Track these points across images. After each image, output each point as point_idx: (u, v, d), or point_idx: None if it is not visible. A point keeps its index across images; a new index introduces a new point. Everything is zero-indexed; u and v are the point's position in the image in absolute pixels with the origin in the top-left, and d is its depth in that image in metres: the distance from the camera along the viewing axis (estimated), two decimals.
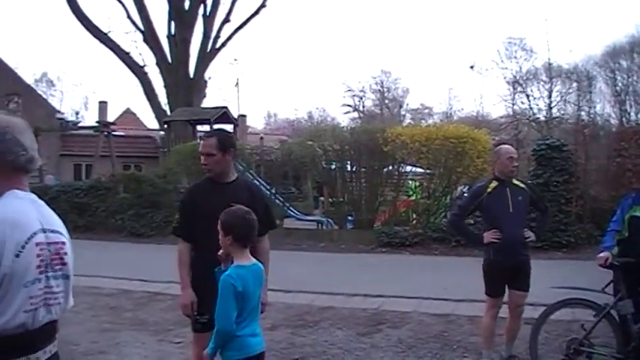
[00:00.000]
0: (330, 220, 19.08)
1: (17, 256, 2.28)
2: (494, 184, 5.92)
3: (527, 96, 45.06)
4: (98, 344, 7.12)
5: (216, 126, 21.14)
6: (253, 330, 3.68)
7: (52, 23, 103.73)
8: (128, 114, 52.98)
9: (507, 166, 5.92)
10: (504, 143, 7.01)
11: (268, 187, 18.65)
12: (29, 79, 44.76)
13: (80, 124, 39.16)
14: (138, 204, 19.77)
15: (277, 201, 19.03)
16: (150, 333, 7.71)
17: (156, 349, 6.99)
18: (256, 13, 31.93)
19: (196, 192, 4.75)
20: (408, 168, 18.13)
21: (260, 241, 4.49)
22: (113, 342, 7.23)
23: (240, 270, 3.59)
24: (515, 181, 6.02)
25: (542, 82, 44.97)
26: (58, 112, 40.82)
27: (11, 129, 2.44)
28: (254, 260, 3.74)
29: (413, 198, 18.53)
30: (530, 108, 44.41)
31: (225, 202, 4.00)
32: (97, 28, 30.93)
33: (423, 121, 51.61)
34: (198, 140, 22.52)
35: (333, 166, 18.65)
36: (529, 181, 9.17)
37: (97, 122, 29.67)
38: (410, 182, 19.01)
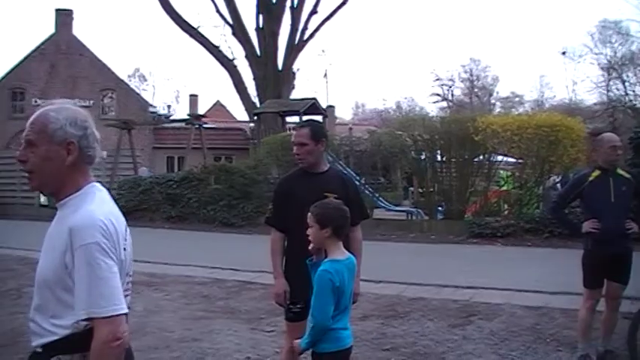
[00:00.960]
0: (419, 210, 18.90)
1: (125, 249, 2.36)
2: (596, 173, 5.72)
3: (623, 82, 43.49)
4: (192, 332, 7.26)
5: (305, 117, 21.20)
6: (345, 323, 3.68)
7: (144, 20, 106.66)
8: (218, 107, 54.09)
9: (610, 155, 5.70)
10: (603, 132, 6.75)
11: (357, 178, 18.61)
12: (123, 75, 46.18)
13: (172, 118, 40.20)
14: (229, 195, 20.07)
15: (367, 191, 18.97)
16: (242, 321, 7.80)
17: (248, 337, 7.07)
18: (343, 3, 31.85)
19: (289, 182, 4.75)
20: (500, 157, 17.74)
21: (353, 230, 4.49)
22: (206, 329, 7.35)
23: (337, 265, 3.58)
24: (620, 171, 5.80)
25: (639, 67, 43.32)
26: (151, 105, 42.01)
27: (90, 123, 2.46)
28: (347, 254, 3.72)
29: (504, 188, 18.18)
30: (626, 94, 42.78)
31: (318, 192, 3.99)
32: (187, 23, 31.55)
33: (513, 110, 50.71)
34: (288, 132, 22.72)
35: (423, 156, 18.46)
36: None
37: (188, 115, 30.40)
38: (501, 172, 18.65)
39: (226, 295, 9.29)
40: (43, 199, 24.57)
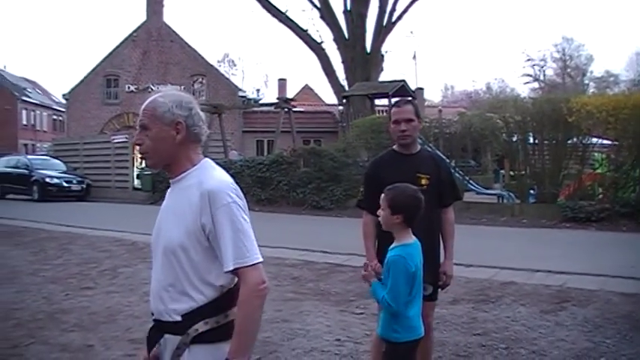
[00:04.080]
0: (511, 194, 18.60)
1: (245, 219, 2.54)
2: None
3: None
4: (282, 312, 7.36)
5: (394, 100, 21.11)
6: (417, 311, 3.62)
7: (233, 6, 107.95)
8: (307, 90, 54.34)
9: None
10: None
11: (447, 161, 18.43)
12: (212, 60, 47.01)
13: (261, 102, 40.69)
14: (318, 178, 20.24)
15: (457, 174, 18.77)
16: (332, 303, 7.86)
17: (338, 319, 7.12)
18: None
19: (380, 164, 4.72)
20: (594, 139, 17.23)
21: (445, 212, 4.50)
22: (296, 311, 7.45)
23: (409, 249, 3.54)
24: None
25: None
26: (240, 90, 42.56)
27: (194, 104, 2.68)
28: (414, 237, 3.65)
29: (599, 171, 17.64)
30: None
31: (411, 173, 3.97)
32: (275, 8, 31.82)
33: (607, 90, 48.92)
34: (377, 114, 22.68)
35: (515, 139, 18.12)
36: None
37: (277, 99, 30.66)
38: (596, 154, 18.10)
39: (316, 278, 9.39)
40: (136, 182, 25.39)
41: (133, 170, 25.77)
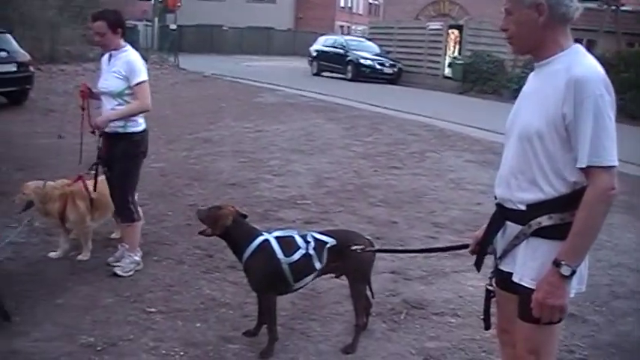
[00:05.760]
0: None
1: (610, 118, 2.35)
2: None
3: None
4: None
5: None
6: None
7: None
8: None
9: None
10: None
11: None
12: None
13: None
14: (638, 85, 18.75)
15: None
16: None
17: None
18: None
19: None
20: None
21: None
22: (605, 223, 7.11)
23: None
24: None
25: None
26: None
27: None
28: None
29: None
30: None
31: None
32: None
33: None
34: None
35: None
36: None
37: None
38: None
39: (630, 190, 8.79)
40: (447, 70, 25.39)
41: (445, 58, 25.74)
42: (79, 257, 5.37)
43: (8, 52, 13.96)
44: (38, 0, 25.58)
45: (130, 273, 5.10)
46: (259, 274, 3.89)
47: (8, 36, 14.71)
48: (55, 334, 3.95)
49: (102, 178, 5.27)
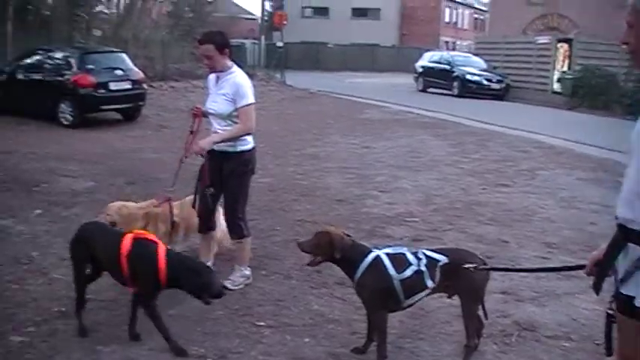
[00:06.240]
0: None
1: None
2: None
3: None
4: None
5: None
6: None
7: None
8: None
9: None
10: None
11: None
12: None
13: None
14: None
15: None
16: None
17: None
18: None
19: None
20: None
21: None
22: None
23: None
24: None
25: None
26: None
27: None
28: None
29: None
30: None
31: None
32: None
33: None
34: None
35: None
36: None
37: None
38: None
39: None
40: (556, 85, 24.77)
41: (553, 73, 25.14)
42: None
43: (124, 71, 14.65)
44: (150, 20, 26.63)
45: (240, 286, 5.21)
46: (371, 291, 3.89)
47: (124, 55, 15.43)
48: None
49: (188, 198, 5.36)
